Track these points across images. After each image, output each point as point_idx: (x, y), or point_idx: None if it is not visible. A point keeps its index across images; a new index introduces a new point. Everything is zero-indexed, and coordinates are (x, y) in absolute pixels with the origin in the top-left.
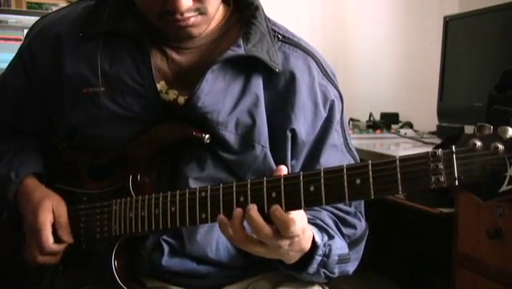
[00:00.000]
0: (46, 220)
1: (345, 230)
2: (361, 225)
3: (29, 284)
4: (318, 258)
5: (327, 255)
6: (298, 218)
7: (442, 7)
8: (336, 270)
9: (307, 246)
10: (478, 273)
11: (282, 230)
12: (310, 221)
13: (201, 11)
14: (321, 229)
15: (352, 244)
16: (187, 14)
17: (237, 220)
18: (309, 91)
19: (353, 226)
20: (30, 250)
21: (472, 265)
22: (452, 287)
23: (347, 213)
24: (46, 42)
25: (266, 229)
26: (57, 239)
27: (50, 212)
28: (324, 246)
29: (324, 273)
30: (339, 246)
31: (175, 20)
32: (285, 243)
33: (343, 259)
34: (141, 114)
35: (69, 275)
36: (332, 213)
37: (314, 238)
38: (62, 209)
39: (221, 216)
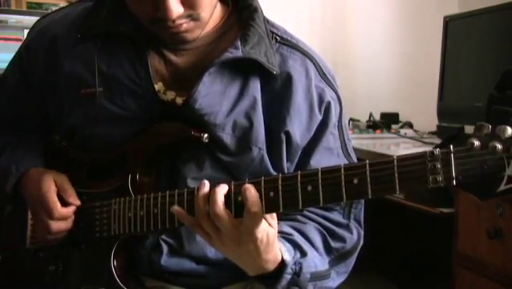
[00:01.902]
0: (49, 188)
1: (333, 244)
2: (351, 238)
3: (29, 284)
4: (287, 277)
5: (297, 273)
6: (268, 227)
7: (442, 7)
8: (310, 288)
9: (267, 267)
10: (478, 273)
11: (248, 208)
12: (286, 237)
13: (194, 17)
14: (294, 246)
15: (341, 257)
16: (179, 21)
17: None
18: (305, 94)
19: (342, 240)
20: (41, 221)
21: (472, 265)
22: (452, 287)
23: (338, 224)
24: (43, 43)
25: (221, 207)
26: (64, 204)
27: (52, 182)
28: (295, 264)
29: None
30: (313, 263)
31: (167, 27)
32: (234, 230)
33: (317, 277)
34: (140, 114)
35: (68, 275)
36: (321, 224)
37: (282, 257)
38: (63, 178)
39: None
